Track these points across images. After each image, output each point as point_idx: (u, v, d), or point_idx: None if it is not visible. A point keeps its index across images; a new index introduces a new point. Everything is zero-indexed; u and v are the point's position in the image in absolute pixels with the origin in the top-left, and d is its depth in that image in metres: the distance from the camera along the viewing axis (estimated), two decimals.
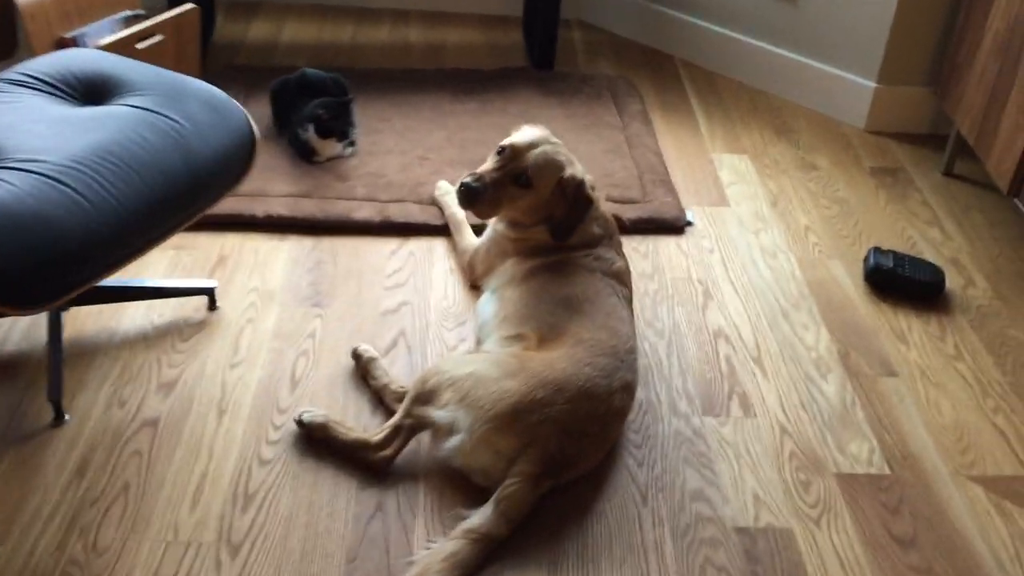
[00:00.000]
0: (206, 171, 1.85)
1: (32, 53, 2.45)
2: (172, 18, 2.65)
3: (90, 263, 1.64)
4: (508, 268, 2.09)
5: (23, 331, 2.04)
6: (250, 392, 1.94)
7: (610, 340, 1.86)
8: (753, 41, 3.24)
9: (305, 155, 2.63)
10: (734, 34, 3.27)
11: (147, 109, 1.85)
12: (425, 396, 1.78)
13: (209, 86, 1.98)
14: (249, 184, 2.50)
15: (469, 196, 1.96)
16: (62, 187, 1.64)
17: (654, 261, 2.43)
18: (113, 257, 1.69)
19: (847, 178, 2.83)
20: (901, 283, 2.35)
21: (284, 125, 2.71)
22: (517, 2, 3.63)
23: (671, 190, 2.66)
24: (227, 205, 2.42)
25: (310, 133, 2.58)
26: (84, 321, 2.08)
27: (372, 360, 1.98)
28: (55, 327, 1.91)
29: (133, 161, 1.74)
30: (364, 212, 2.46)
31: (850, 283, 2.40)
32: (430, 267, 2.34)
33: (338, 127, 2.59)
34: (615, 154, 2.79)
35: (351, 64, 3.22)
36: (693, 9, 3.35)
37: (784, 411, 2.02)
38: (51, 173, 1.65)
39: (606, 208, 2.11)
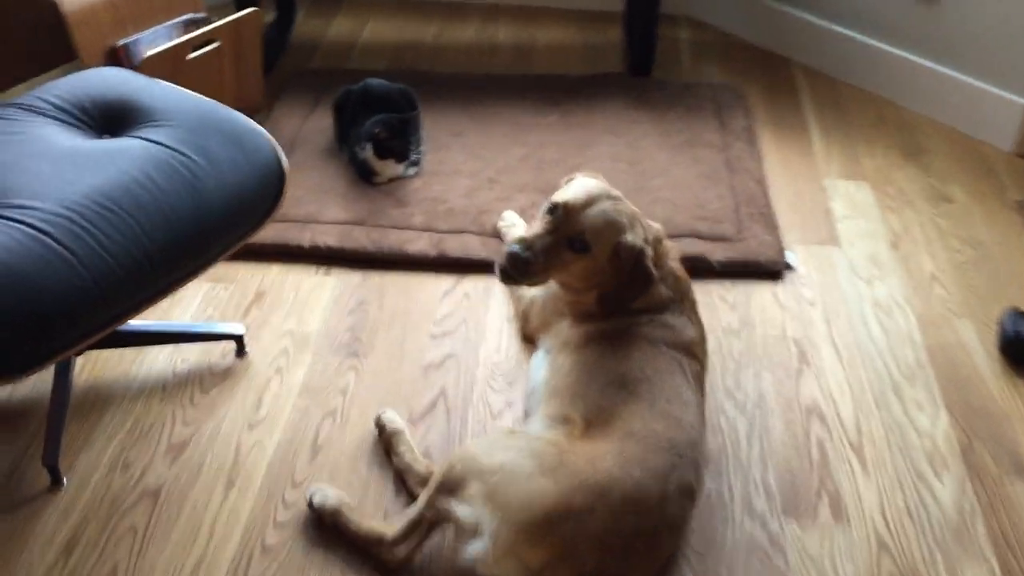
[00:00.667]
0: (220, 217, 1.65)
1: (81, 64, 2.32)
2: (230, 23, 2.48)
3: (73, 327, 1.46)
4: (564, 329, 1.81)
5: (35, 377, 1.90)
6: (265, 459, 1.74)
7: (668, 431, 1.56)
8: (884, 46, 2.82)
9: (364, 175, 2.42)
10: (862, 37, 2.86)
11: (161, 144, 1.66)
12: (450, 485, 1.54)
13: (237, 115, 1.78)
14: (301, 207, 2.31)
15: (518, 268, 1.68)
16: (47, 240, 1.46)
17: (743, 313, 2.10)
18: (102, 318, 1.50)
19: (986, 214, 2.41)
20: None
21: (345, 141, 2.50)
22: None
23: (771, 226, 2.31)
24: (273, 232, 2.23)
25: (368, 153, 2.36)
26: (104, 365, 1.93)
27: (396, 434, 1.75)
28: (62, 381, 1.75)
29: (134, 208, 1.55)
30: (419, 244, 2.23)
31: (981, 352, 2.01)
32: (484, 312, 2.09)
33: (397, 147, 2.35)
34: (710, 180, 2.46)
35: (431, 67, 2.98)
36: (816, 8, 2.95)
37: (885, 518, 1.68)
38: (38, 224, 1.48)
39: (675, 263, 1.79)
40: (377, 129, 2.33)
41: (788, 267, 2.23)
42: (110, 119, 1.76)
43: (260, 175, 1.73)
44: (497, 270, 1.70)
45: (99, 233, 1.50)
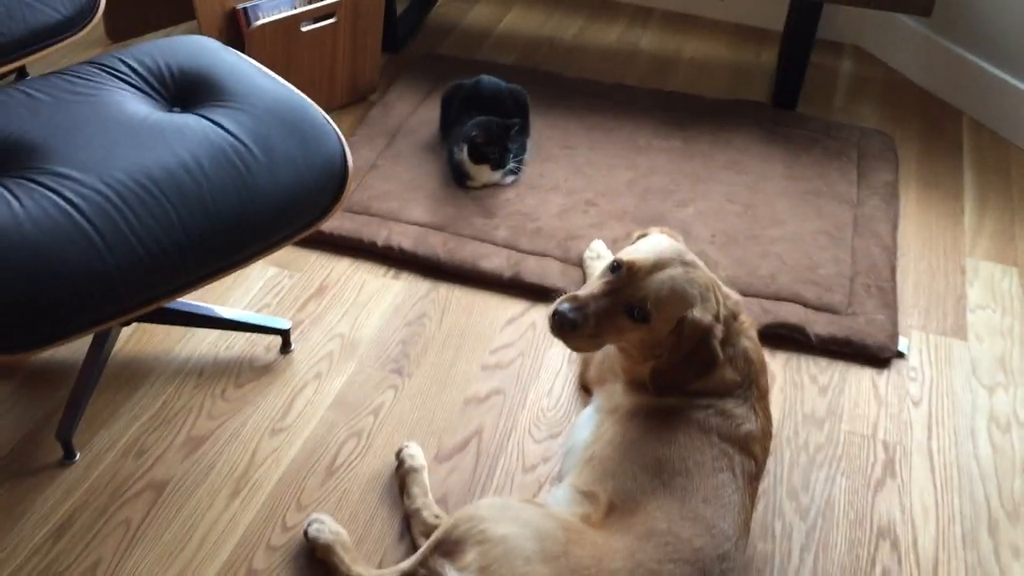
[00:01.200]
0: (266, 215, 1.56)
1: (199, 26, 2.29)
2: (350, 0, 2.39)
3: (82, 311, 1.40)
4: (617, 392, 1.64)
5: (81, 341, 1.88)
6: (278, 472, 1.66)
7: (695, 538, 1.37)
8: None
9: (458, 178, 2.29)
10: None
11: (223, 128, 1.59)
12: (449, 546, 1.41)
13: (310, 108, 1.68)
14: (386, 203, 2.21)
15: (563, 330, 1.51)
16: (77, 217, 1.42)
17: (832, 401, 1.86)
18: (122, 305, 1.45)
19: None
20: None
21: (446, 138, 2.38)
22: (781, 12, 3.04)
23: (888, 304, 2.04)
24: (351, 224, 2.15)
25: (463, 155, 2.24)
26: (150, 339, 1.90)
27: (413, 472, 1.63)
28: (95, 354, 1.73)
29: (175, 194, 1.49)
30: (495, 261, 2.09)
31: None
32: (546, 348, 1.93)
33: (493, 153, 2.22)
34: (831, 239, 2.20)
35: (561, 68, 2.82)
36: (999, 58, 2.61)
37: None
38: (73, 197, 1.44)
39: (751, 342, 1.58)
40: (475, 132, 2.20)
41: (899, 355, 1.96)
42: (185, 91, 1.71)
43: (319, 176, 1.63)
44: (548, 320, 1.54)
45: (132, 216, 1.45)
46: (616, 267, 1.51)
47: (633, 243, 1.60)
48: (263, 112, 1.64)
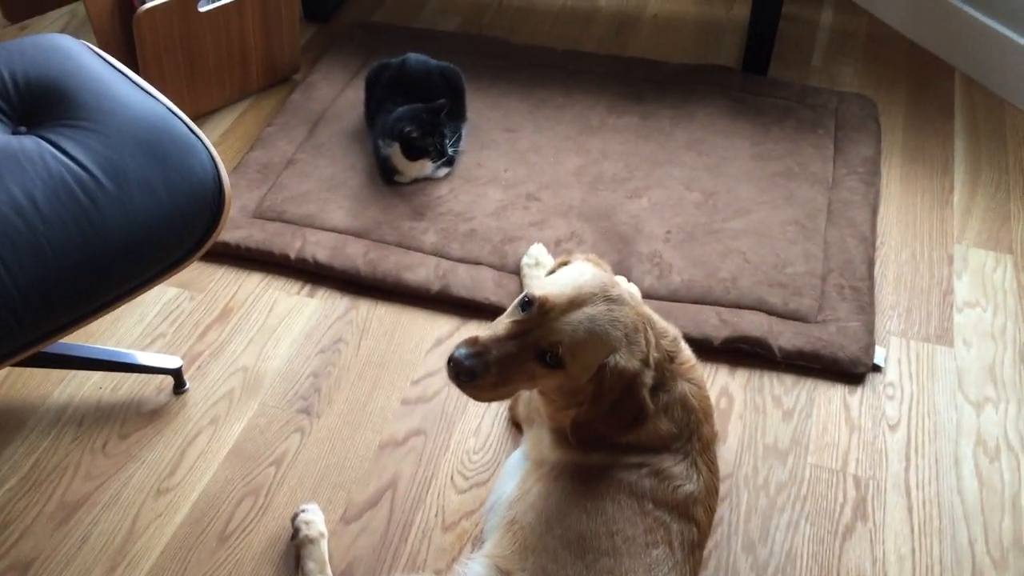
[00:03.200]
0: (119, 257, 1.34)
1: (86, 9, 2.03)
2: None
3: None
4: (545, 439, 1.42)
5: None
6: (161, 542, 1.46)
7: None
8: None
9: (384, 174, 2.05)
10: None
11: (66, 153, 1.35)
12: None
13: (176, 127, 1.43)
14: (302, 206, 1.98)
15: (458, 377, 1.28)
16: None
17: (798, 428, 1.64)
18: None
19: None
20: None
21: (372, 126, 2.13)
22: None
23: (865, 307, 1.81)
24: (262, 234, 1.92)
25: (392, 149, 1.99)
26: (25, 384, 1.68)
27: (309, 543, 1.42)
28: None
29: (4, 243, 1.26)
30: (421, 273, 1.86)
31: None
32: None
33: (432, 145, 1.96)
34: (800, 230, 1.96)
35: (508, 33, 2.54)
36: (995, 11, 2.32)
37: None
38: None
39: (691, 385, 1.35)
40: (407, 128, 1.94)
41: (874, 368, 1.74)
42: (32, 107, 1.46)
43: (185, 204, 1.40)
44: (447, 367, 1.32)
45: None
46: (527, 303, 1.28)
47: (551, 272, 1.37)
48: (117, 131, 1.40)
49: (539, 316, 1.27)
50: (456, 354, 1.27)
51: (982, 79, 2.39)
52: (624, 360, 1.26)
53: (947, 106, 2.33)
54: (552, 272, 1.37)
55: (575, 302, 1.27)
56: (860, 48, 2.52)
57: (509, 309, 1.31)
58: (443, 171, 2.06)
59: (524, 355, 1.26)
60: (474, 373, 1.25)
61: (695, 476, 1.32)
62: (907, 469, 1.59)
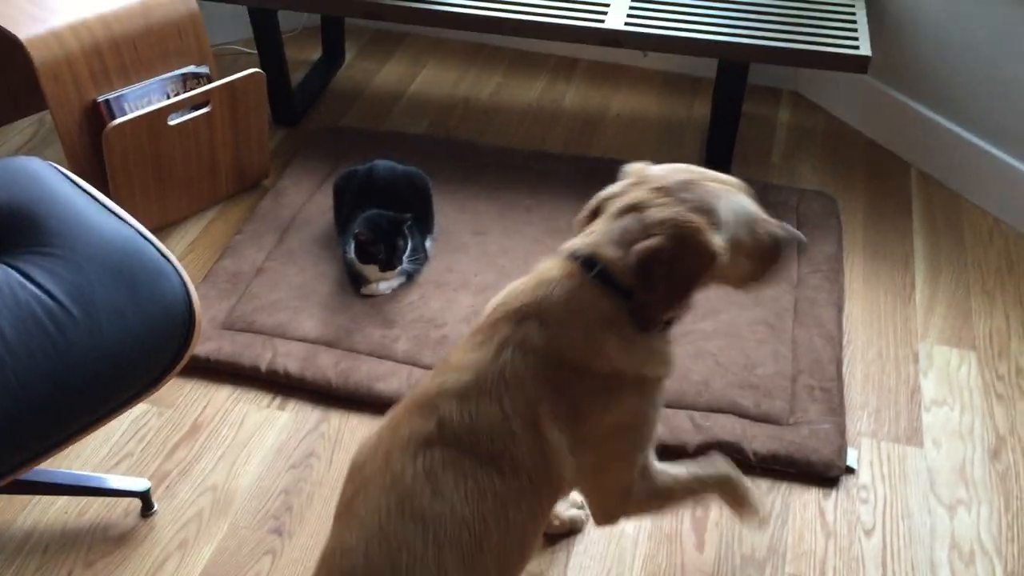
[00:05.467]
0: (87, 385, 1.32)
1: (53, 122, 2.04)
2: (224, 85, 2.16)
3: None
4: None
5: None
6: None
7: None
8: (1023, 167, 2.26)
9: (352, 280, 2.06)
10: (1000, 153, 2.30)
11: (34, 282, 1.34)
12: None
13: (146, 251, 1.44)
14: (272, 315, 1.98)
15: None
16: None
17: (775, 535, 1.64)
18: None
19: None
20: None
21: (342, 233, 2.14)
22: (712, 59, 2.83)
23: (835, 408, 1.83)
24: (231, 346, 1.91)
25: (351, 255, 2.00)
26: None
27: None
28: None
29: None
30: (393, 383, 1.85)
31: None
32: None
33: (380, 252, 1.97)
34: (771, 330, 1.98)
35: (476, 135, 2.59)
36: (948, 110, 2.40)
37: None
38: None
39: None
40: (359, 229, 1.96)
41: (848, 470, 1.75)
42: (1, 234, 1.46)
43: (155, 329, 1.39)
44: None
45: None
46: None
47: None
48: (86, 258, 1.40)
49: None
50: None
51: (937, 175, 2.46)
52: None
53: (905, 202, 2.39)
54: None
55: None
56: (818, 145, 2.60)
57: None
58: (397, 282, 2.04)
59: None
60: None
61: None
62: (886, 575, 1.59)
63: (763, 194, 2.34)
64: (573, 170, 2.44)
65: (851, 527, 1.66)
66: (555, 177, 2.41)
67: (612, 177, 2.45)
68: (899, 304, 2.10)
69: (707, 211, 1.23)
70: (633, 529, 1.64)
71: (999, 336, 2.03)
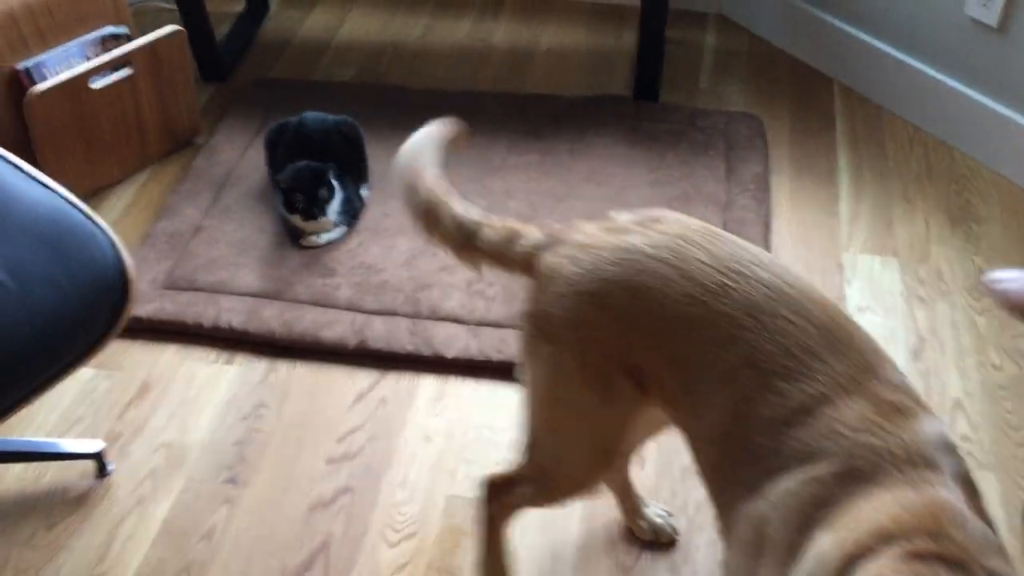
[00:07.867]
0: (25, 354, 1.34)
1: None
2: (145, 46, 2.14)
3: None
4: None
5: None
6: None
7: None
8: (941, 77, 2.32)
9: (290, 234, 2.08)
10: (918, 64, 2.36)
11: None
12: None
13: (73, 216, 1.44)
14: (214, 272, 2.00)
15: None
16: None
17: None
18: None
19: None
20: None
21: (277, 188, 2.15)
22: None
23: None
24: (174, 305, 1.93)
25: (283, 208, 2.02)
26: None
27: None
28: None
29: None
30: (337, 329, 1.89)
31: (1003, 522, 1.60)
32: (400, 428, 1.75)
33: (299, 202, 1.99)
34: None
35: (405, 79, 2.59)
36: (867, 25, 2.45)
37: None
38: None
39: None
40: (288, 183, 1.98)
41: None
42: None
43: (88, 294, 1.41)
44: None
45: None
46: None
47: None
48: (15, 228, 1.41)
49: None
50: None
51: (860, 89, 2.52)
52: None
53: (829, 118, 2.45)
54: None
55: None
56: (743, 66, 2.64)
57: None
58: (336, 233, 2.06)
59: None
60: None
61: None
62: None
63: (692, 120, 2.41)
64: (504, 107, 2.46)
65: None
66: (486, 116, 2.42)
67: (543, 112, 2.48)
68: (824, 217, 2.17)
69: None
70: None
71: (919, 241, 2.11)
